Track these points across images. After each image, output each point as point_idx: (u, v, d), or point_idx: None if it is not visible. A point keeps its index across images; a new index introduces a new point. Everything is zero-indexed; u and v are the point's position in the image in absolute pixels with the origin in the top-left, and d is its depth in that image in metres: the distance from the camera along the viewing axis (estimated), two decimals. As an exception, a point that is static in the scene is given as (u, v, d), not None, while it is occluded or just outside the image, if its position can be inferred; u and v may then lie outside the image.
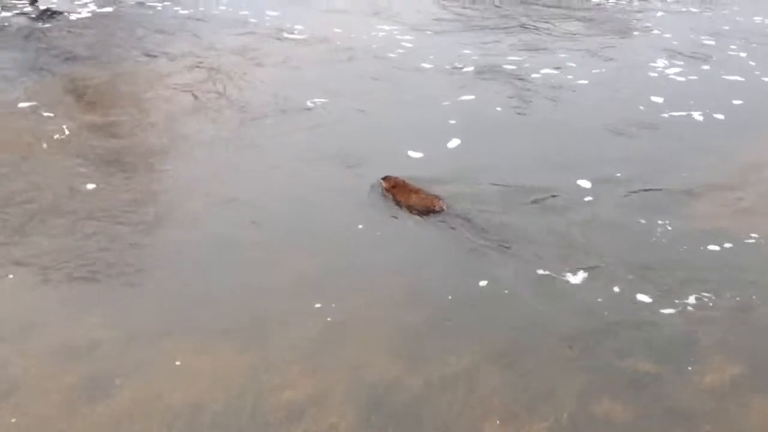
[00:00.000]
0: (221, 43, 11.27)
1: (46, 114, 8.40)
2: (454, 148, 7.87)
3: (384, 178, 6.83)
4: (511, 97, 9.29)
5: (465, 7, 14.01)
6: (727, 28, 12.80)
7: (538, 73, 10.20)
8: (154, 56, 10.60)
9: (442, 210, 6.47)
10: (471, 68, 10.34)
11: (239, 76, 9.85)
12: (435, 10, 13.81)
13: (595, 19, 13.46)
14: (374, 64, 10.56)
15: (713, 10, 14.22)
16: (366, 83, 9.78)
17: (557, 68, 10.41)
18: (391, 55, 10.95)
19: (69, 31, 11.62)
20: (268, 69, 10.28)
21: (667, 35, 12.32)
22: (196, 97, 9.06)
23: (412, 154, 7.69)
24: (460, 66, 10.44)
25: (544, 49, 11.37)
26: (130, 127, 8.20)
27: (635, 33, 12.46)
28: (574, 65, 10.60)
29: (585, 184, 7.11)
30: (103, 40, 11.27)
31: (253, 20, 12.69)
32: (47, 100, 8.81)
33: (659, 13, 14.03)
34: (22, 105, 8.68)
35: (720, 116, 8.86)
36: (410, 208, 6.53)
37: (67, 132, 7.92)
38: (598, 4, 14.65)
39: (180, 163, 7.46)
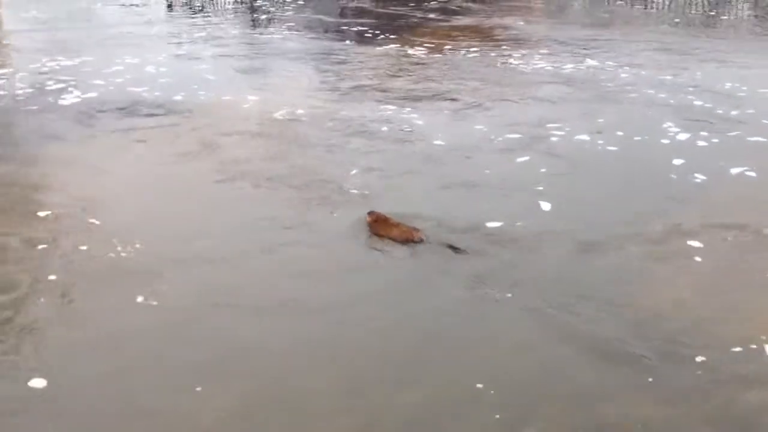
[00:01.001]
0: (231, 127, 10.79)
1: (91, 220, 7.51)
2: (541, 213, 7.75)
3: (369, 213, 7.31)
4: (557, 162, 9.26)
5: (445, 79, 13.90)
6: (708, 92, 13.22)
7: (573, 140, 10.23)
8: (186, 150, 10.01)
9: (421, 240, 6.89)
10: (497, 140, 10.23)
11: (276, 161, 9.42)
12: (411, 86, 13.63)
13: (571, 82, 13.70)
14: (395, 140, 10.27)
15: (680, 76, 14.65)
16: (398, 158, 9.52)
17: (598, 132, 10.50)
18: (405, 131, 10.69)
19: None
20: (299, 150, 9.86)
21: (662, 95, 12.68)
22: (257, 186, 8.53)
23: (490, 224, 7.42)
24: (480, 139, 10.34)
25: (556, 118, 11.35)
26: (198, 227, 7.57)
27: (629, 96, 12.74)
28: (602, 131, 10.65)
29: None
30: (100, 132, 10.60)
31: (244, 105, 12.23)
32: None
33: (623, 75, 14.39)
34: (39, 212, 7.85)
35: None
36: (391, 239, 6.97)
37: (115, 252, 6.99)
38: (559, 71, 14.91)
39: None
